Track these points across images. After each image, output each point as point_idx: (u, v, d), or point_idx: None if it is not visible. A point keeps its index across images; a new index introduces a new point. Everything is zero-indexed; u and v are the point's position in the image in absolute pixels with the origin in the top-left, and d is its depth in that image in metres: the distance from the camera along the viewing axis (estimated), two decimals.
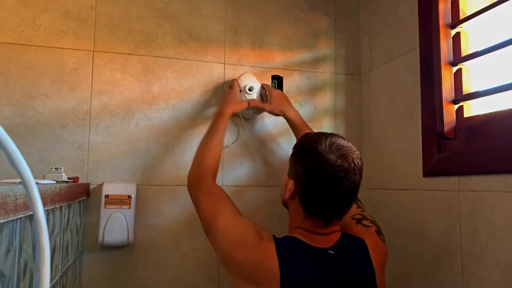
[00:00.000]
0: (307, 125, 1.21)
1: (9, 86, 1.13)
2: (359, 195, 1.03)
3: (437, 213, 1.06)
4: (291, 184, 0.90)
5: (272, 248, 0.84)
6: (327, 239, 0.88)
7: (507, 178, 0.86)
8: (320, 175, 0.84)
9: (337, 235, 0.90)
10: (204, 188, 1.02)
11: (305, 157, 0.88)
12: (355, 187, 0.87)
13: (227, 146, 1.28)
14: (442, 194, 1.04)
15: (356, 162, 0.86)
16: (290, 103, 1.23)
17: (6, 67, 1.13)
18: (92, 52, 1.20)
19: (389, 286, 1.22)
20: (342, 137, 0.90)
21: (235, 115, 1.25)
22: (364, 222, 0.98)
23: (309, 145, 0.88)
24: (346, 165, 0.84)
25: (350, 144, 0.88)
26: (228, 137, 1.28)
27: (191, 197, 1.04)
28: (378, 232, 0.97)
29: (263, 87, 1.26)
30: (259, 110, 1.26)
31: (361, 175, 0.87)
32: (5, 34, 1.13)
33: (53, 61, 1.16)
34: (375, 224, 0.99)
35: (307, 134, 0.95)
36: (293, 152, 0.93)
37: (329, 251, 0.86)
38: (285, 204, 0.97)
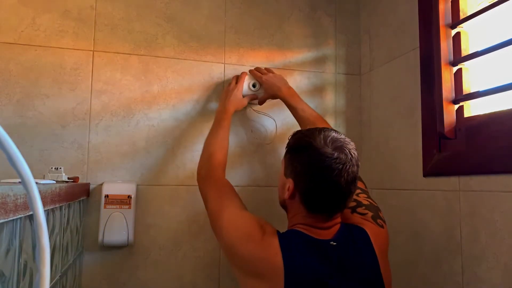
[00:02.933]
0: (301, 102, 1.19)
1: (9, 86, 1.13)
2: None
3: (437, 213, 1.05)
4: (290, 183, 0.89)
5: (275, 243, 0.84)
6: (329, 232, 0.88)
7: (507, 178, 0.86)
8: (320, 169, 0.84)
9: (337, 227, 0.89)
10: (213, 181, 1.03)
11: (302, 154, 0.87)
12: (354, 178, 0.86)
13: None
14: (442, 194, 1.04)
15: (352, 153, 0.86)
16: (282, 82, 1.22)
17: (6, 67, 1.13)
18: (92, 52, 1.20)
19: None
20: (334, 130, 0.90)
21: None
22: (359, 209, 0.96)
23: (303, 142, 0.88)
24: (343, 157, 0.84)
25: (343, 136, 0.88)
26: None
27: (200, 190, 1.05)
28: (375, 217, 0.95)
29: (253, 77, 1.25)
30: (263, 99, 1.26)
31: (358, 165, 0.87)
32: (5, 34, 1.13)
33: (53, 61, 1.16)
34: (371, 208, 0.97)
35: (299, 131, 0.95)
36: (287, 151, 0.93)
37: (331, 243, 0.85)
38: (284, 204, 0.95)
